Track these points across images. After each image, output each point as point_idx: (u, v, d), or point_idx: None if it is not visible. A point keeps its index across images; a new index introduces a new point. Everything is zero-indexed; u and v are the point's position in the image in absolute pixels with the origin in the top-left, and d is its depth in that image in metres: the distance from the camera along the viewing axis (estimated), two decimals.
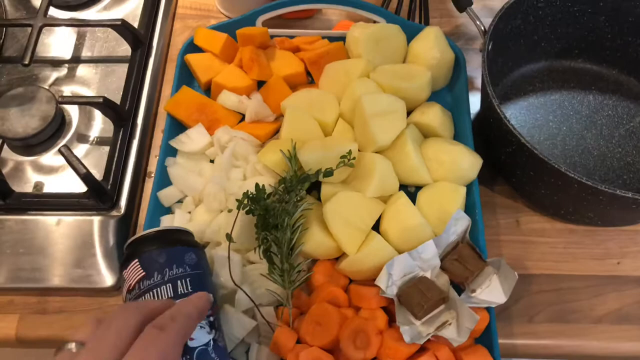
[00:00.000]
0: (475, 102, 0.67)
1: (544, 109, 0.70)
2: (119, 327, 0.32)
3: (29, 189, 0.64)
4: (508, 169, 0.62)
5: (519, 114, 0.69)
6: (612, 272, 0.60)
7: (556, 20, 0.67)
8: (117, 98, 0.69)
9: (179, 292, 0.45)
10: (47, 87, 0.69)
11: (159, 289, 0.44)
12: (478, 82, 0.71)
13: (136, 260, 0.46)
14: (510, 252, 0.61)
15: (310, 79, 0.66)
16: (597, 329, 0.57)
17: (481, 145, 0.61)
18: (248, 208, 0.51)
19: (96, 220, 0.61)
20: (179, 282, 0.45)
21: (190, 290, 0.45)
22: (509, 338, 0.56)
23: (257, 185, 0.51)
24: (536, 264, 0.61)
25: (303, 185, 0.52)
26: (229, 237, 0.50)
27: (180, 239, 0.48)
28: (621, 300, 0.58)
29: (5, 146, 0.64)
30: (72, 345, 0.34)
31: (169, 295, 0.44)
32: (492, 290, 0.51)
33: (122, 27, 0.69)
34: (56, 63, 0.73)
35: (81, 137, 0.67)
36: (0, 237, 0.60)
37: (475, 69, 0.70)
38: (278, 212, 0.50)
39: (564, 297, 0.59)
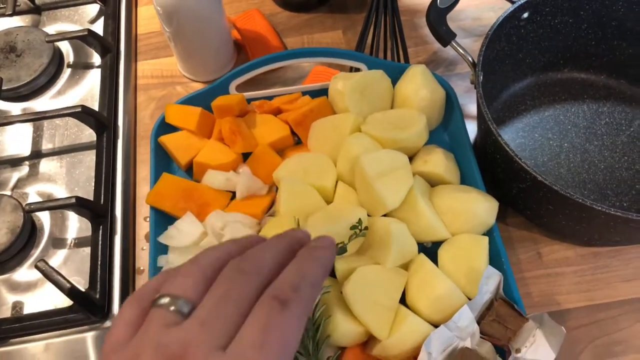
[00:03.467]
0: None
1: (540, 127, 0.67)
2: (239, 296, 0.25)
3: (6, 312, 0.57)
4: (521, 203, 0.58)
5: (516, 137, 0.66)
6: None
7: (539, 35, 0.65)
8: (89, 191, 0.63)
9: None
10: (9, 193, 0.63)
11: None
12: (467, 109, 0.67)
13: None
14: (538, 289, 0.58)
15: (296, 139, 0.61)
16: None
17: (486, 179, 0.58)
18: None
19: (89, 336, 0.55)
20: None
21: None
22: None
23: None
24: (568, 297, 0.57)
25: None
26: None
27: None
28: None
29: None
30: (167, 300, 0.26)
31: None
32: (537, 347, 0.47)
33: (82, 114, 0.63)
34: (15, 162, 0.66)
35: (57, 242, 0.61)
36: None
37: (460, 95, 0.66)
38: None
39: (605, 329, 0.55)
